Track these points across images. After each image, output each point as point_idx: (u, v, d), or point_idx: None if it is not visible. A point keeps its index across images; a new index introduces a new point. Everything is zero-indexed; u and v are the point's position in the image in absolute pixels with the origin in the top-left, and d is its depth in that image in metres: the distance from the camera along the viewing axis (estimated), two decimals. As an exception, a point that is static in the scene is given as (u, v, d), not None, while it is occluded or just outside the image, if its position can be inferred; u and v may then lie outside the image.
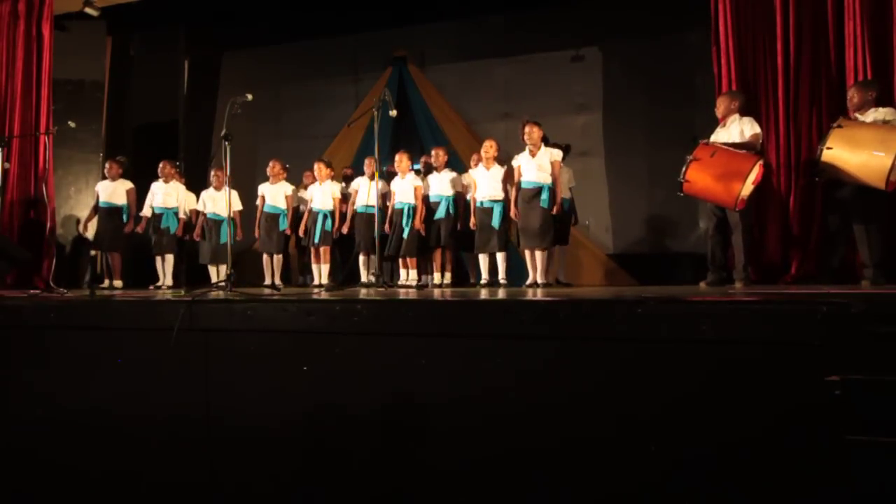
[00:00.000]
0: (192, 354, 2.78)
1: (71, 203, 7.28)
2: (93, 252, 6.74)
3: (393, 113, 4.70)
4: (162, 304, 2.94)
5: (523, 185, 5.36)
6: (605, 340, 2.26)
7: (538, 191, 5.27)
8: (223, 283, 3.65)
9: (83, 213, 7.09)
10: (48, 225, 6.14)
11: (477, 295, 3.41)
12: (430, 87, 7.91)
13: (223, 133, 3.96)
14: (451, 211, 5.93)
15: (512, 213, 5.45)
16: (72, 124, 6.16)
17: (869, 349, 1.94)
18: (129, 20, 7.52)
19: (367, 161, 6.34)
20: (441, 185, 6.00)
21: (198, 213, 6.67)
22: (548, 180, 5.29)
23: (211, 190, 6.61)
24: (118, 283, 6.45)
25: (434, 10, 7.38)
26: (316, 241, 6.38)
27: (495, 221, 5.56)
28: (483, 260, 5.73)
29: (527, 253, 5.43)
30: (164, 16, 7.57)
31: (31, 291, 4.35)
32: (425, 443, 2.46)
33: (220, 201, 6.48)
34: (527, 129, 5.41)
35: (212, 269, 6.59)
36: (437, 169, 6.09)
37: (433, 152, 6.19)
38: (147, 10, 7.06)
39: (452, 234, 5.94)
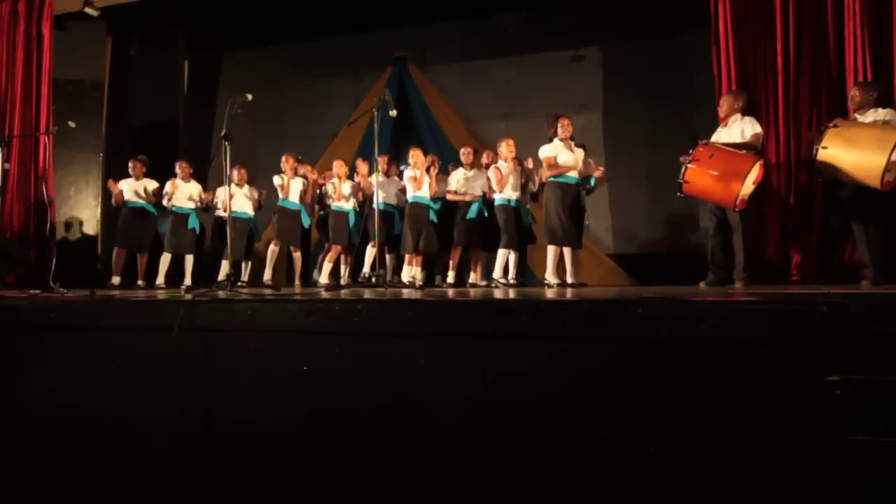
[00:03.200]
0: (192, 354, 2.78)
1: (71, 203, 7.29)
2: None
3: (393, 113, 4.70)
4: (162, 304, 2.94)
5: (566, 179, 5.17)
6: (605, 340, 2.26)
7: (579, 187, 5.22)
8: (224, 283, 3.65)
9: (84, 212, 7.09)
10: (48, 225, 6.14)
11: (477, 295, 3.41)
12: (430, 87, 7.90)
13: (223, 133, 3.96)
14: (483, 210, 5.90)
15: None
16: (72, 124, 6.17)
17: (869, 349, 1.94)
18: (129, 20, 7.53)
19: (380, 160, 6.32)
20: (472, 183, 5.98)
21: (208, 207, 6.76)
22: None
23: (233, 186, 6.62)
24: (141, 283, 6.51)
25: (434, 10, 7.39)
26: (341, 240, 6.44)
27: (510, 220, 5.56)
28: (500, 257, 5.68)
29: (552, 250, 5.20)
30: (163, 16, 7.58)
31: (31, 291, 4.34)
32: (425, 442, 2.46)
33: (239, 198, 6.56)
34: (565, 122, 5.22)
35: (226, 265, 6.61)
36: (466, 167, 6.06)
37: (462, 150, 6.16)
38: (147, 10, 7.08)
39: (477, 232, 5.90)
